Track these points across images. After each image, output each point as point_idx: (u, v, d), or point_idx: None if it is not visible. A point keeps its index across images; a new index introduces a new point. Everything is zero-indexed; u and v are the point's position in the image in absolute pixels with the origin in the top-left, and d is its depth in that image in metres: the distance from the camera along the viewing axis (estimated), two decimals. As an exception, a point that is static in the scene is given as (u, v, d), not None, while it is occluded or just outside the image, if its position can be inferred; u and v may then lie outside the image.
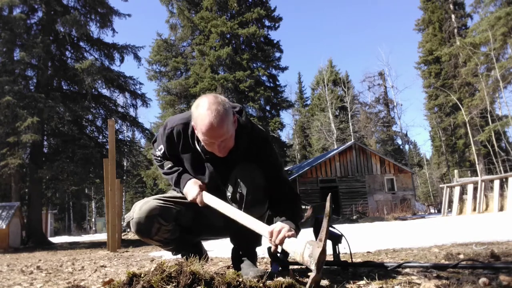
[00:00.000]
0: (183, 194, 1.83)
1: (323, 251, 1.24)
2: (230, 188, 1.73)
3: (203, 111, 1.54)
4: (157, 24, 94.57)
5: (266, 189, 1.71)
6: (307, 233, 1.95)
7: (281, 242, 1.44)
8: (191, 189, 1.76)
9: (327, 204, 1.34)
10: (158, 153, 1.89)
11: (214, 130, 1.53)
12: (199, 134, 1.60)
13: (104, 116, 16.06)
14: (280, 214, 1.67)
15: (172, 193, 1.96)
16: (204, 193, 1.75)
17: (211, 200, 1.71)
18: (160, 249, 5.64)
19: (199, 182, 1.79)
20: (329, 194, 1.36)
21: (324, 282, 1.48)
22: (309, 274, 1.27)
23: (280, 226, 1.48)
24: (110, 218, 7.12)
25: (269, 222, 1.70)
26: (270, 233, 1.47)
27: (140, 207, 1.77)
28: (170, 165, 1.87)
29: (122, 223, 10.73)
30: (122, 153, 16.46)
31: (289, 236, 1.44)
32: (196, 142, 1.77)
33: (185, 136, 1.78)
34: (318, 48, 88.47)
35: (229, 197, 1.74)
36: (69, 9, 15.03)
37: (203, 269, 1.29)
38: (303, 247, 1.34)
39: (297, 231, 1.58)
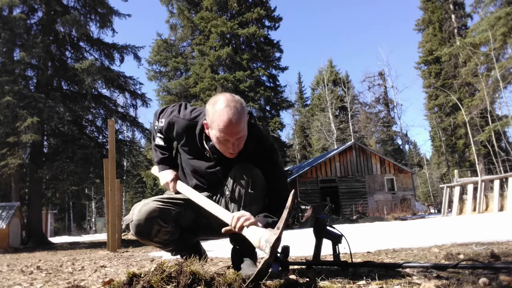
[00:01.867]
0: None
1: (278, 238, 1.31)
2: (229, 187, 1.74)
3: (221, 108, 1.55)
4: (157, 24, 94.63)
5: (264, 187, 1.72)
6: (306, 233, 1.95)
7: (241, 228, 1.49)
8: (167, 175, 1.90)
9: (290, 198, 1.41)
10: (159, 125, 1.94)
11: (233, 126, 1.54)
12: (215, 131, 1.59)
13: (104, 116, 16.06)
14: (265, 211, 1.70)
15: (168, 193, 1.96)
16: (179, 181, 1.87)
17: (183, 188, 1.83)
18: (160, 249, 5.65)
19: (175, 172, 1.92)
20: (292, 190, 1.43)
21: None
22: (262, 257, 1.35)
23: (242, 213, 1.53)
24: (110, 218, 7.13)
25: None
26: (232, 217, 1.53)
27: (140, 209, 1.76)
28: (161, 144, 1.95)
29: (122, 224, 10.72)
30: (122, 153, 16.45)
31: (247, 225, 1.49)
32: (204, 142, 1.77)
33: (188, 135, 1.80)
34: (318, 48, 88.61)
35: (228, 196, 1.75)
36: (69, 9, 15.03)
37: (203, 269, 1.29)
38: (261, 233, 1.41)
39: (271, 225, 1.58)
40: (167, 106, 1.99)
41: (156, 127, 1.97)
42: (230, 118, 1.53)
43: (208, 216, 1.88)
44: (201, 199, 1.73)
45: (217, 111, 1.56)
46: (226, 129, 1.54)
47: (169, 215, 1.80)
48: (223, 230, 1.56)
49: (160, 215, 1.77)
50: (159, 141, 1.96)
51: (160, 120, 1.94)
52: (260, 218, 1.62)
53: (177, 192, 1.86)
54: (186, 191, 1.81)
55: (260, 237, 1.40)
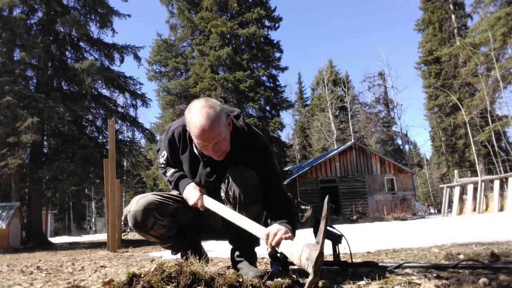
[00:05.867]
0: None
1: (321, 253, 1.23)
2: (223, 189, 1.75)
3: (194, 115, 1.58)
4: (157, 24, 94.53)
5: (260, 189, 1.72)
6: (306, 233, 1.95)
7: (278, 243, 1.45)
8: (192, 193, 1.78)
9: (325, 206, 1.32)
10: (162, 160, 1.93)
11: (206, 132, 1.55)
12: (193, 137, 1.63)
13: (104, 116, 16.05)
14: (277, 218, 1.67)
15: (173, 192, 1.97)
16: (205, 196, 1.76)
17: (211, 203, 1.72)
18: (160, 249, 5.64)
19: (200, 186, 1.81)
20: (327, 196, 1.35)
21: (320, 283, 1.47)
22: (306, 279, 1.27)
23: (277, 228, 1.49)
24: (110, 218, 7.13)
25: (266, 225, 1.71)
26: (266, 235, 1.49)
27: (137, 201, 1.79)
28: (172, 171, 1.90)
29: (122, 223, 10.72)
30: (122, 153, 16.45)
31: (286, 238, 1.45)
32: (194, 146, 1.79)
33: (184, 139, 1.82)
34: (318, 48, 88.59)
35: (223, 197, 1.76)
36: (69, 9, 15.01)
37: (203, 270, 1.29)
38: (301, 249, 1.33)
39: (293, 234, 1.60)
40: (159, 144, 2.00)
41: (162, 166, 1.96)
42: (203, 125, 1.54)
43: (208, 217, 1.88)
44: (230, 214, 1.66)
45: (191, 118, 1.58)
46: (200, 136, 1.56)
47: (166, 209, 1.81)
48: (268, 253, 1.51)
49: (157, 208, 1.78)
50: (170, 170, 1.91)
51: (161, 155, 1.93)
52: (280, 224, 1.60)
53: (206, 209, 1.76)
54: (214, 207, 1.72)
55: (300, 254, 1.31)
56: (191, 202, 1.77)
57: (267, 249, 1.50)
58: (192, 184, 1.81)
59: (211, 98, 1.69)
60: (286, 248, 1.42)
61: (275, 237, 1.46)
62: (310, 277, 1.21)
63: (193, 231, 1.98)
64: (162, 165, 1.94)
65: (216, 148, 1.62)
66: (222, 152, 1.66)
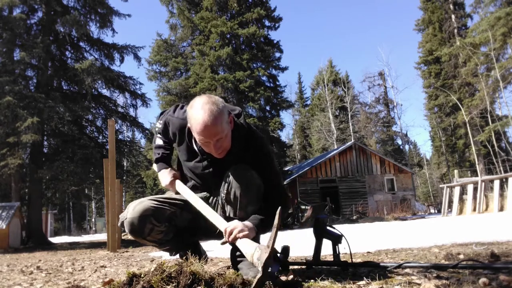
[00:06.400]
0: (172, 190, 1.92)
1: (269, 256, 1.32)
2: (224, 189, 1.74)
3: (196, 111, 1.57)
4: (157, 24, 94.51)
5: (261, 190, 1.71)
6: (306, 233, 1.94)
7: (234, 240, 1.51)
8: (165, 176, 1.89)
9: (276, 217, 1.39)
10: (158, 126, 2.01)
11: (208, 129, 1.54)
12: (195, 134, 1.62)
13: (104, 116, 16.06)
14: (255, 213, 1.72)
15: (169, 194, 1.96)
16: (177, 181, 1.86)
17: (182, 189, 1.82)
18: (158, 249, 5.64)
19: (175, 171, 1.92)
20: (279, 208, 1.41)
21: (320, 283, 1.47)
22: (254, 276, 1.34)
23: (234, 226, 1.53)
24: (110, 218, 7.13)
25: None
26: (224, 230, 1.54)
27: (134, 207, 1.77)
28: (159, 144, 2.00)
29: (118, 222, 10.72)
30: (122, 153, 16.45)
31: (240, 237, 1.50)
32: (194, 143, 1.79)
33: (181, 134, 1.83)
34: (318, 48, 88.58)
35: (223, 197, 1.75)
36: (69, 9, 15.02)
37: (203, 269, 1.29)
38: (253, 250, 1.41)
39: (259, 231, 1.63)
40: (166, 109, 2.05)
41: (156, 130, 2.03)
42: (205, 121, 1.53)
43: (205, 219, 1.88)
44: (197, 202, 1.71)
45: (193, 114, 1.58)
46: (202, 132, 1.56)
47: (163, 215, 1.80)
48: (220, 242, 1.59)
49: (154, 214, 1.77)
50: (158, 141, 2.00)
51: (159, 122, 2.00)
52: (251, 218, 1.65)
53: (178, 193, 1.85)
54: (184, 192, 1.80)
55: (253, 253, 1.40)
56: (163, 184, 1.89)
57: (222, 240, 1.58)
58: (169, 168, 1.93)
59: (214, 95, 1.68)
60: (241, 245, 1.49)
61: (231, 235, 1.51)
62: (259, 275, 1.28)
63: (191, 233, 1.97)
64: (157, 129, 2.03)
65: (218, 145, 1.61)
66: (223, 149, 1.65)
